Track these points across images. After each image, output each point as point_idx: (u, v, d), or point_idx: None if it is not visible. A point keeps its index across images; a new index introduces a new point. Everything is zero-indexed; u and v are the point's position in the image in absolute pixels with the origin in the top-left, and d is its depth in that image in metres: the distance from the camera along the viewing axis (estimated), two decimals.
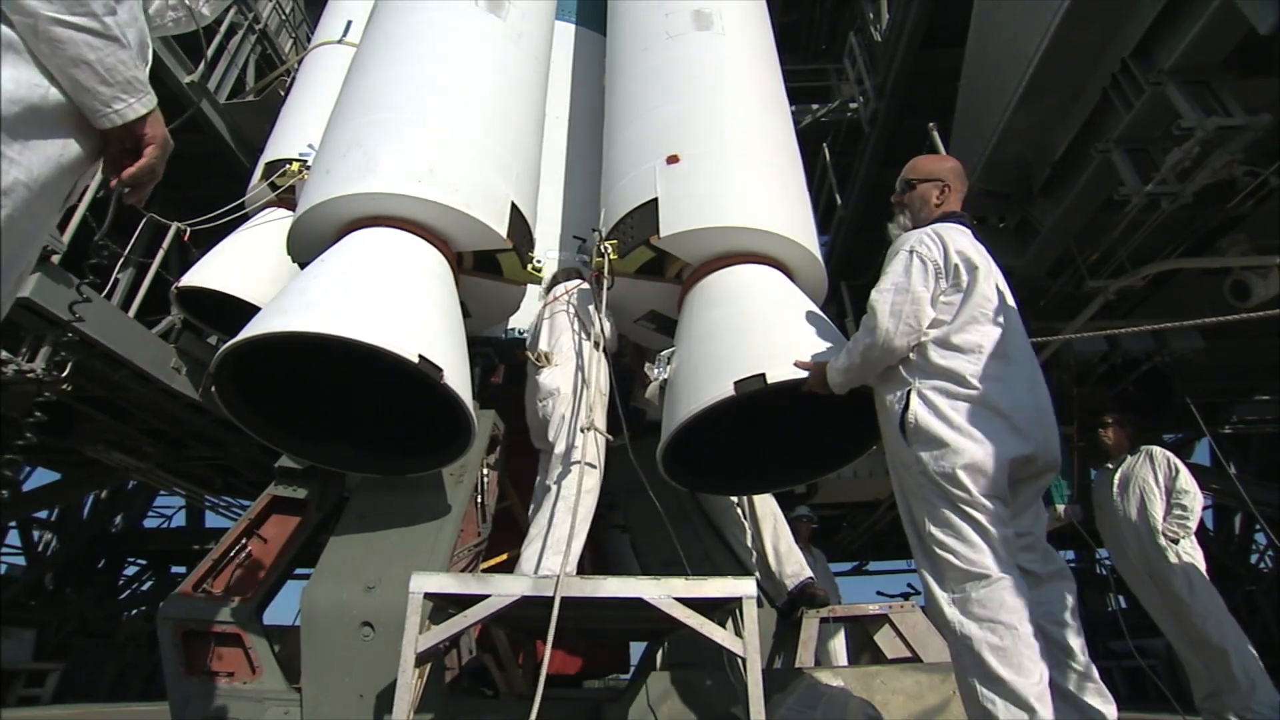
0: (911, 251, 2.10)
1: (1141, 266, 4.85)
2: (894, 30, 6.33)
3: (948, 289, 2.06)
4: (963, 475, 1.85)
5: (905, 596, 8.74)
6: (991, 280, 2.09)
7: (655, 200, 3.16)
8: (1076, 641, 1.90)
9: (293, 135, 5.09)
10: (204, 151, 6.48)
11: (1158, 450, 4.11)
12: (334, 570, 2.71)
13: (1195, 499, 3.87)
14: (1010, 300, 2.16)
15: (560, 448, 2.98)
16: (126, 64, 1.10)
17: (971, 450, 1.86)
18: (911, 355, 2.06)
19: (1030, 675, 1.69)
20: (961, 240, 2.13)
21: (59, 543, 10.37)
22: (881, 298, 2.08)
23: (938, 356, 2.00)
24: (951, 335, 2.01)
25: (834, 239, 7.81)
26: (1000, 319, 2.04)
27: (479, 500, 3.37)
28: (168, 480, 7.96)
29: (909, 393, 2.01)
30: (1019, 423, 1.91)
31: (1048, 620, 1.90)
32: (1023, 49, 4.38)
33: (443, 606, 2.15)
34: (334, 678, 2.52)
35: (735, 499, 3.47)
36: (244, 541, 3.19)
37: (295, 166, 4.73)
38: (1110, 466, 4.27)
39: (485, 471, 3.39)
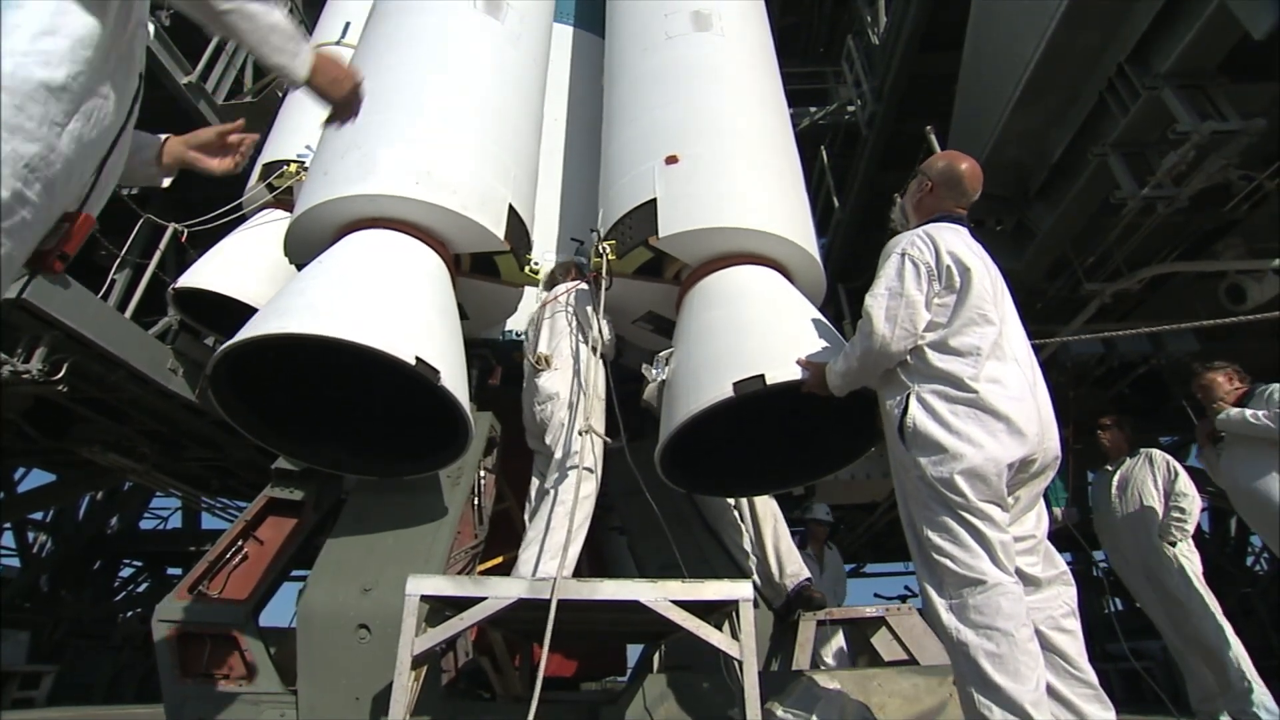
0: (903, 254, 2.10)
1: (1138, 270, 4.87)
2: (892, 33, 6.35)
3: (941, 291, 2.05)
4: (960, 481, 1.84)
5: (902, 599, 8.76)
6: (987, 281, 2.07)
7: (654, 200, 3.17)
8: (1076, 647, 1.89)
9: (290, 136, 5.09)
10: None
11: (1157, 453, 4.13)
12: (330, 572, 2.70)
13: (1193, 501, 3.88)
14: (1010, 300, 2.15)
15: (559, 452, 2.97)
16: (283, 16, 1.30)
17: (970, 455, 1.85)
18: (909, 359, 2.05)
19: (1027, 682, 1.68)
20: (954, 241, 2.11)
21: (54, 544, 10.31)
22: (876, 303, 2.07)
23: (935, 359, 2.00)
24: (949, 338, 2.00)
25: (832, 241, 7.83)
26: (998, 320, 2.03)
27: (476, 502, 3.36)
28: (164, 481, 7.94)
29: (908, 397, 2.00)
30: (1018, 424, 1.89)
31: (1048, 625, 1.89)
32: (1020, 52, 4.40)
33: (439, 609, 2.14)
34: (330, 680, 2.51)
35: (733, 501, 3.46)
36: (240, 543, 3.17)
37: (293, 168, 4.72)
38: (1109, 469, 4.28)
39: (482, 474, 3.39)
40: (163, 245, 5.62)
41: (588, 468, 2.81)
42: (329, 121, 1.46)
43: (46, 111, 1.02)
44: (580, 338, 3.21)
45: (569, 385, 3.10)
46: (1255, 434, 3.30)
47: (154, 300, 5.53)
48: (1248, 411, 3.34)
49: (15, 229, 1.00)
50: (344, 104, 1.42)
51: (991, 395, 1.91)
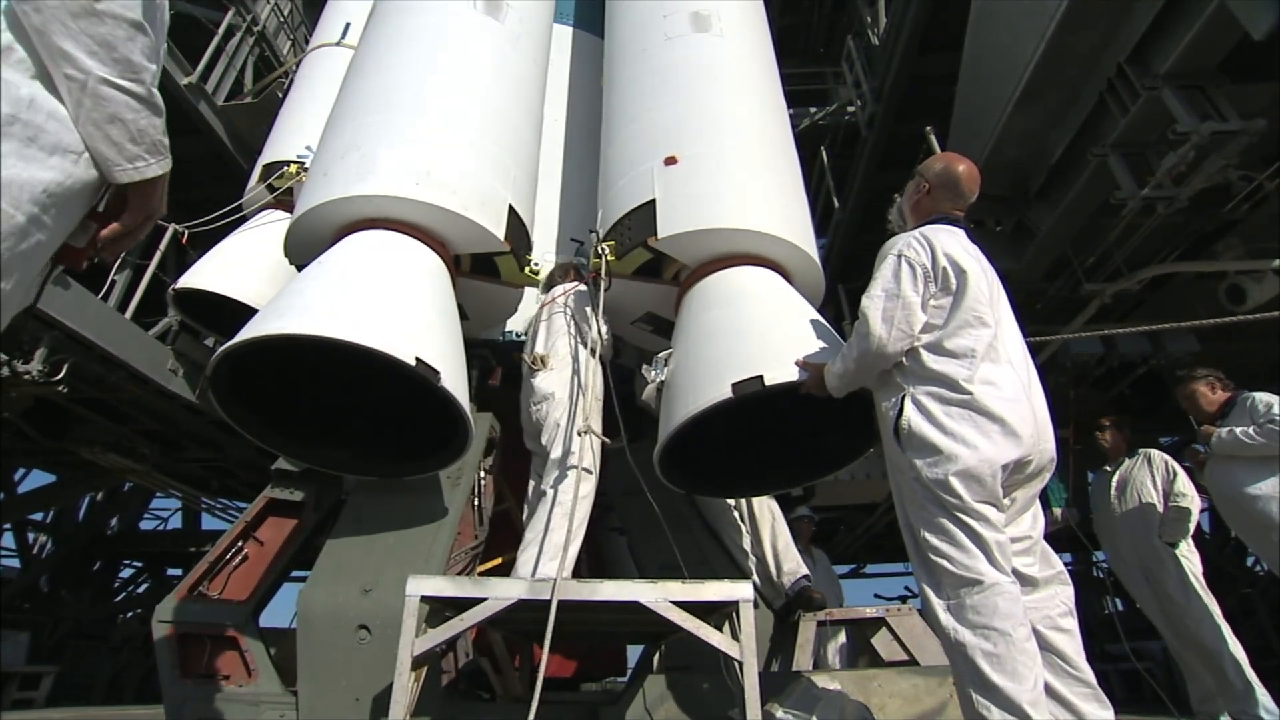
0: (900, 256, 2.10)
1: (1138, 270, 4.88)
2: (891, 34, 6.35)
3: (937, 293, 2.05)
4: (955, 482, 1.84)
5: (902, 599, 8.76)
6: (984, 283, 2.08)
7: (653, 201, 3.16)
8: (1074, 646, 1.89)
9: (291, 137, 5.09)
10: (201, 153, 6.48)
11: (1155, 453, 4.13)
12: (330, 573, 2.70)
13: (1193, 502, 3.88)
14: (1006, 302, 2.16)
15: (556, 452, 2.97)
16: (157, 129, 1.18)
17: (964, 456, 1.85)
18: (905, 360, 2.05)
19: (1024, 682, 1.68)
20: (950, 243, 2.12)
21: (54, 545, 10.32)
22: (873, 304, 2.08)
23: (931, 361, 2.00)
24: (944, 340, 2.00)
25: (832, 241, 7.83)
26: (993, 322, 2.03)
27: (476, 503, 3.36)
28: (164, 482, 7.94)
29: (903, 398, 2.01)
30: (1013, 426, 1.90)
31: (1045, 625, 1.89)
32: (1020, 53, 4.40)
33: (439, 609, 2.15)
34: (330, 681, 2.51)
35: (733, 501, 3.47)
36: (240, 544, 3.18)
37: (293, 168, 4.73)
38: (1108, 469, 4.28)
39: (482, 474, 3.39)
40: (163, 246, 5.63)
41: (586, 468, 2.81)
42: (110, 235, 1.20)
43: (60, 138, 1.04)
44: (578, 339, 3.22)
45: (565, 385, 3.11)
46: (1252, 452, 3.30)
47: (154, 301, 5.53)
48: (1239, 430, 3.35)
49: (31, 252, 1.01)
50: (137, 219, 1.19)
51: (986, 397, 1.91)
